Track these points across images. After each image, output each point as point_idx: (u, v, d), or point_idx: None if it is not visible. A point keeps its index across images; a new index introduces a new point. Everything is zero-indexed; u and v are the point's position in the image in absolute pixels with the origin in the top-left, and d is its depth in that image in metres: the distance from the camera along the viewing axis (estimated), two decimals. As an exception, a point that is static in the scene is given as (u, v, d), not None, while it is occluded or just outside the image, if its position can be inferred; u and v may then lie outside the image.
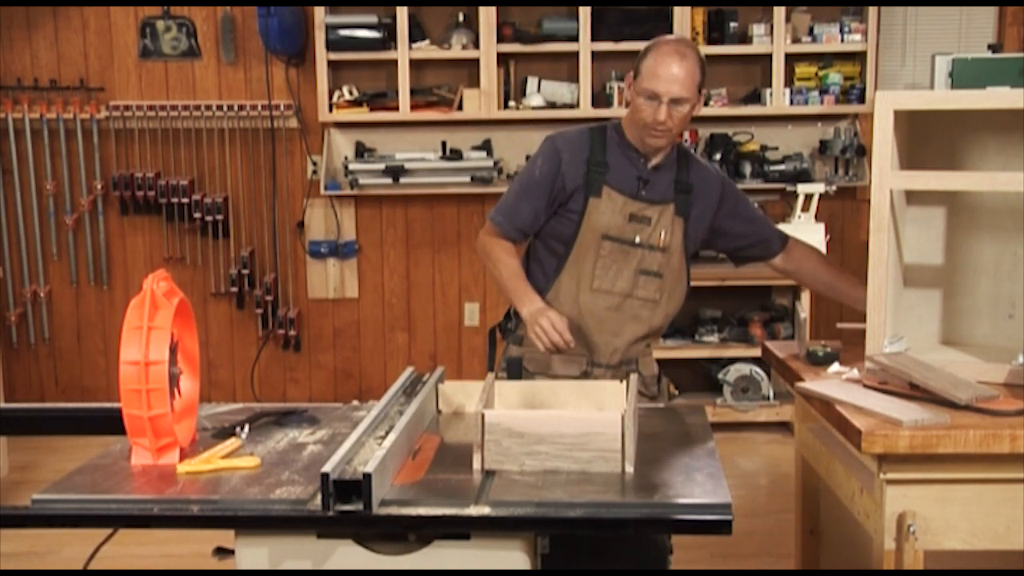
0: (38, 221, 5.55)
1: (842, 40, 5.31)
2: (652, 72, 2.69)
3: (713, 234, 2.95)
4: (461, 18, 5.33)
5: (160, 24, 5.47)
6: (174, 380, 2.22)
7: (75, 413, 2.64)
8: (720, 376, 5.21)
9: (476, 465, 2.11)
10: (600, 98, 5.36)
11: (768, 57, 5.28)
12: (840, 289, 2.98)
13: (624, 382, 2.40)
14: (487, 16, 5.22)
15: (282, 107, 5.46)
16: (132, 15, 5.46)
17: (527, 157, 4.94)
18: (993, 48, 4.94)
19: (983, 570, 2.62)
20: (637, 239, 2.80)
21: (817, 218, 5.18)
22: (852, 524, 2.69)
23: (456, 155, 5.37)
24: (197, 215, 5.49)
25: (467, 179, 5.36)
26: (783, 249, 3.02)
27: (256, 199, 5.58)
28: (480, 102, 5.28)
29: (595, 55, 5.24)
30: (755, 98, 5.42)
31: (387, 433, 2.14)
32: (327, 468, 1.90)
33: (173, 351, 2.20)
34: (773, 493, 4.54)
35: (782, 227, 5.05)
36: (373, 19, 5.22)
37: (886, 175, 2.46)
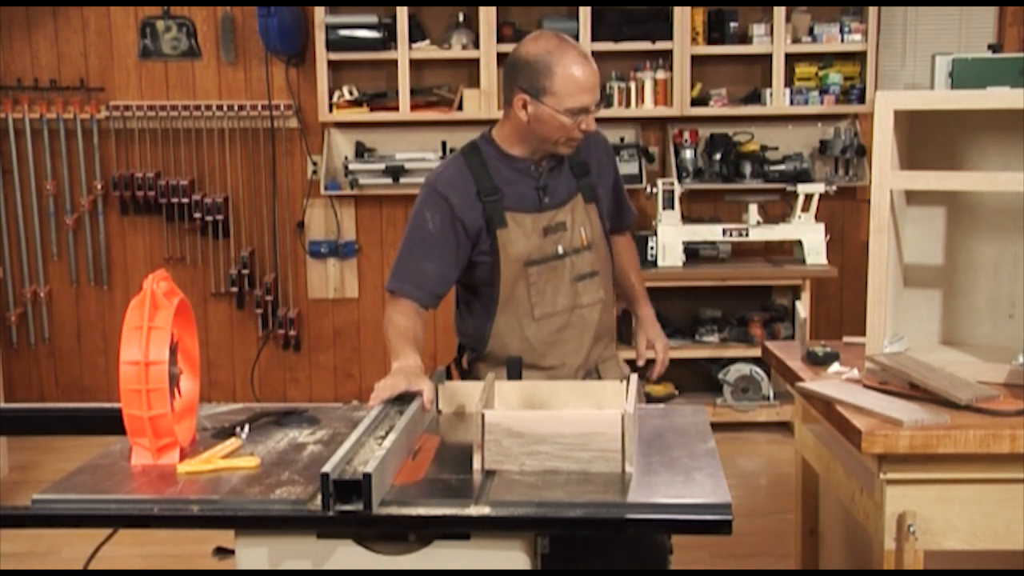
0: (38, 221, 5.55)
1: (842, 40, 5.31)
2: (572, 88, 2.50)
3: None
4: (461, 18, 5.33)
5: (160, 24, 5.47)
6: (174, 380, 2.22)
7: (75, 413, 2.63)
8: (720, 376, 5.20)
9: (476, 465, 2.11)
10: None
11: (768, 57, 5.28)
12: (622, 274, 2.92)
13: (624, 382, 2.40)
14: (487, 16, 5.22)
15: (282, 107, 5.46)
16: (132, 15, 5.46)
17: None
18: (993, 48, 4.94)
19: (983, 570, 2.62)
20: (560, 250, 2.63)
21: (817, 218, 5.19)
22: (852, 524, 2.69)
23: (456, 155, 5.36)
24: (197, 215, 5.49)
25: (467, 179, 5.35)
26: (625, 230, 2.94)
27: (256, 199, 5.58)
28: (480, 102, 5.28)
29: (595, 55, 5.19)
30: (755, 98, 5.41)
31: (387, 433, 2.13)
32: (327, 468, 1.89)
33: (173, 351, 2.20)
34: (773, 493, 4.53)
35: (782, 227, 5.17)
36: (373, 19, 5.22)
37: (886, 175, 2.46)
